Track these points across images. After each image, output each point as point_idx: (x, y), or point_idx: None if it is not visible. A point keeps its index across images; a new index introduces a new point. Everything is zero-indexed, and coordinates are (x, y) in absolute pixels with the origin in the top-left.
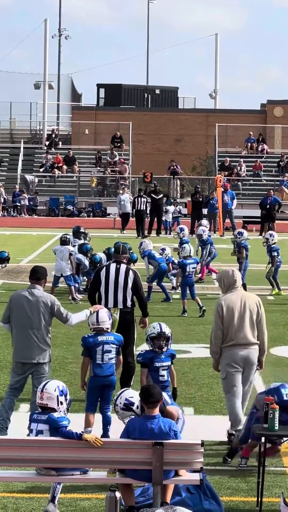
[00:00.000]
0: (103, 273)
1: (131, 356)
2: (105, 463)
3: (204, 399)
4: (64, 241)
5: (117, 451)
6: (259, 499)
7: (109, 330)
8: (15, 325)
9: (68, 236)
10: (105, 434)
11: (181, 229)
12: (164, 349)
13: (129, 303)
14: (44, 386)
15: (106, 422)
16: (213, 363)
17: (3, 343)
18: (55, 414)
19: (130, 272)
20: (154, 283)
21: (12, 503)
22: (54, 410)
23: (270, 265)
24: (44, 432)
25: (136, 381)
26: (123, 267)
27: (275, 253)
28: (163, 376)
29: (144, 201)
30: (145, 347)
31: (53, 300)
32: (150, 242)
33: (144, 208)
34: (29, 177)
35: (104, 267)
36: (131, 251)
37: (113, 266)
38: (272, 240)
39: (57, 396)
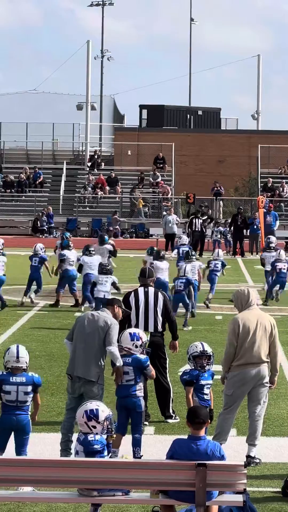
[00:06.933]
0: (132, 298)
1: (165, 377)
2: (148, 484)
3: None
4: None
5: (160, 472)
6: None
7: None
8: (74, 340)
9: None
10: (135, 455)
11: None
12: (206, 368)
13: (160, 328)
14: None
15: (135, 443)
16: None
17: (46, 364)
18: (90, 437)
19: (159, 295)
20: None
21: None
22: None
23: None
24: (79, 453)
25: (179, 402)
26: (151, 290)
27: None
28: (207, 394)
29: (200, 222)
30: (184, 369)
31: (112, 322)
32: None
33: (201, 229)
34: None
35: (132, 292)
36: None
37: (141, 290)
38: None
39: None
